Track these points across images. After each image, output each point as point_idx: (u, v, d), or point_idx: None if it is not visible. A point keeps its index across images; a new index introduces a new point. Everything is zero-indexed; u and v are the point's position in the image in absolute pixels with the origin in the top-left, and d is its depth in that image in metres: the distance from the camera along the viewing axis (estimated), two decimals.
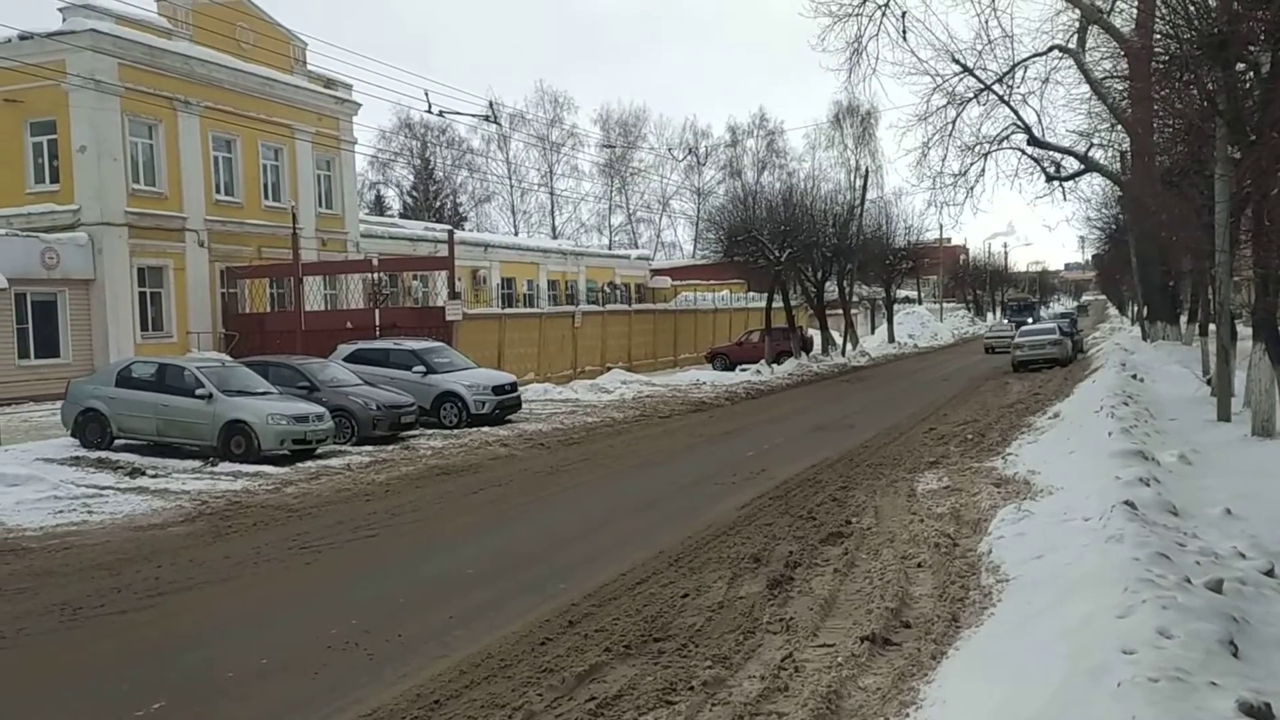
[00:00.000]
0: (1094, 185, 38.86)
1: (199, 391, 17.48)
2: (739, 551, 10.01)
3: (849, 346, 44.85)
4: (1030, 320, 59.52)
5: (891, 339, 54.35)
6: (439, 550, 11.06)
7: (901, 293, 68.97)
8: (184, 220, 29.49)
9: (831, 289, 45.54)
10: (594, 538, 11.34)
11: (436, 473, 16.29)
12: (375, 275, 30.94)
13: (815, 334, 44.14)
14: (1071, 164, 30.56)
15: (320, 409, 18.13)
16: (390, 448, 18.64)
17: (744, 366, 36.41)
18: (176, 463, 16.85)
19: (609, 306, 42.24)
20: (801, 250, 38.02)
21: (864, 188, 49.28)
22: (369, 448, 18.57)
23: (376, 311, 28.23)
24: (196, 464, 16.77)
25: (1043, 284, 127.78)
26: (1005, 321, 62.98)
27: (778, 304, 40.02)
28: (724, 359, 39.67)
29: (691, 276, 58.26)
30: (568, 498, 13.95)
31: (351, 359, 22.63)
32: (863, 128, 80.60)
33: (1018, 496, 11.67)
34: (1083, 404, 19.05)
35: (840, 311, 46.96)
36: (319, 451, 17.91)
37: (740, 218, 38.43)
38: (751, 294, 50.65)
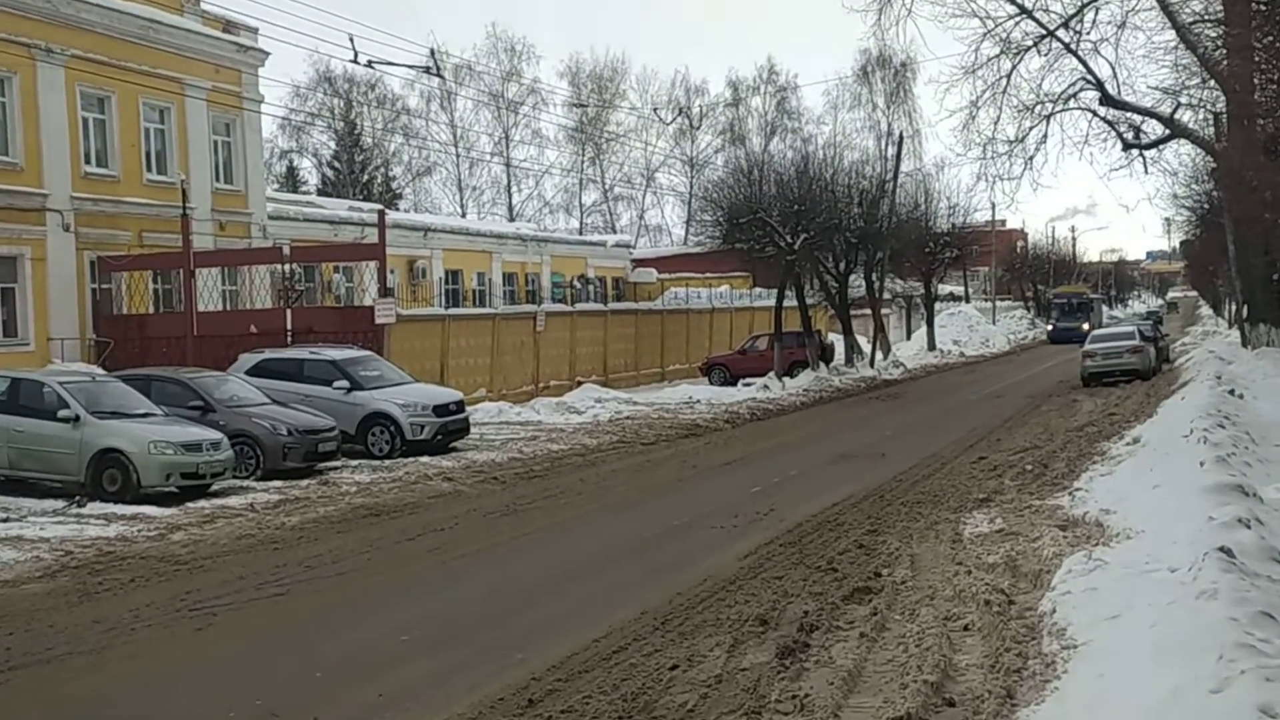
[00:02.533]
0: (1182, 154, 39.04)
1: (63, 413, 17.35)
2: (742, 612, 10.02)
3: (879, 355, 45.01)
4: (1086, 324, 58.86)
5: (932, 346, 54.54)
6: (366, 611, 11.00)
7: (944, 288, 69.30)
8: (44, 198, 29.32)
9: (858, 284, 45.68)
10: (560, 595, 11.32)
11: (363, 514, 16.25)
12: (286, 267, 30.81)
13: (837, 340, 44.24)
14: (1154, 128, 30.73)
15: (216, 434, 18.06)
16: (305, 483, 18.58)
17: (748, 380, 36.45)
18: (33, 503, 16.72)
19: (580, 306, 42.22)
20: (820, 235, 38.13)
21: (898, 157, 49.45)
22: (278, 483, 18.50)
23: (288, 312, 28.11)
24: (59, 504, 16.63)
25: (1119, 277, 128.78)
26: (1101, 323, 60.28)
27: (790, 302, 40.09)
28: (723, 371, 39.66)
29: (683, 268, 58.31)
30: (528, 545, 13.92)
31: (256, 371, 22.56)
32: (896, 83, 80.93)
33: (1088, 542, 11.72)
34: (1169, 426, 19.12)
35: (868, 312, 47.08)
36: (215, 488, 17.84)
37: (744, 195, 38.48)
38: (758, 290, 50.70)
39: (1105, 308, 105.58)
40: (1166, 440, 17.43)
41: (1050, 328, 67.08)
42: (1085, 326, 58.55)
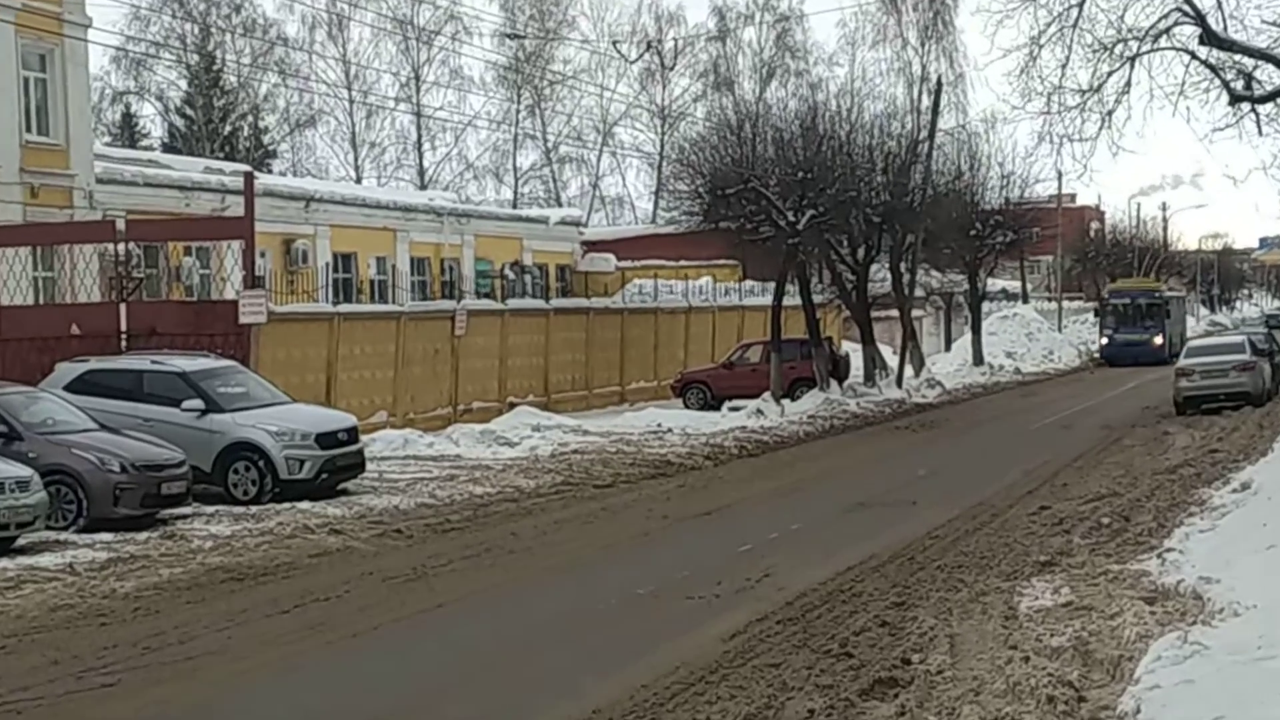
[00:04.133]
0: None
1: None
2: (726, 710, 10.02)
3: (909, 371, 45.16)
4: (1159, 336, 58.15)
5: (978, 359, 54.77)
6: (222, 709, 10.93)
7: (995, 283, 69.46)
8: None
9: (881, 276, 45.81)
10: (485, 687, 11.29)
11: (221, 578, 16.12)
12: (121, 246, 30.59)
13: (854, 350, 44.33)
14: (1271, 75, 30.97)
15: (24, 471, 17.87)
16: (143, 536, 18.41)
17: (736, 403, 36.45)
18: None
19: (513, 303, 42.14)
20: (832, 211, 38.21)
21: (934, 110, 49.69)
22: (107, 536, 18.32)
23: (122, 307, 27.91)
24: None
25: (1224, 270, 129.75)
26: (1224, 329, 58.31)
27: (792, 300, 40.16)
28: (703, 390, 39.64)
29: (650, 253, 58.35)
30: (442, 621, 13.90)
31: (80, 387, 22.36)
32: (933, 13, 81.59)
33: (1183, 619, 11.78)
34: None
35: (895, 314, 47.22)
36: (21, 542, 17.62)
37: (732, 157, 38.54)
38: (749, 284, 50.78)
39: (1203, 309, 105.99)
40: None
41: (1104, 341, 61.60)
42: (1158, 340, 57.41)
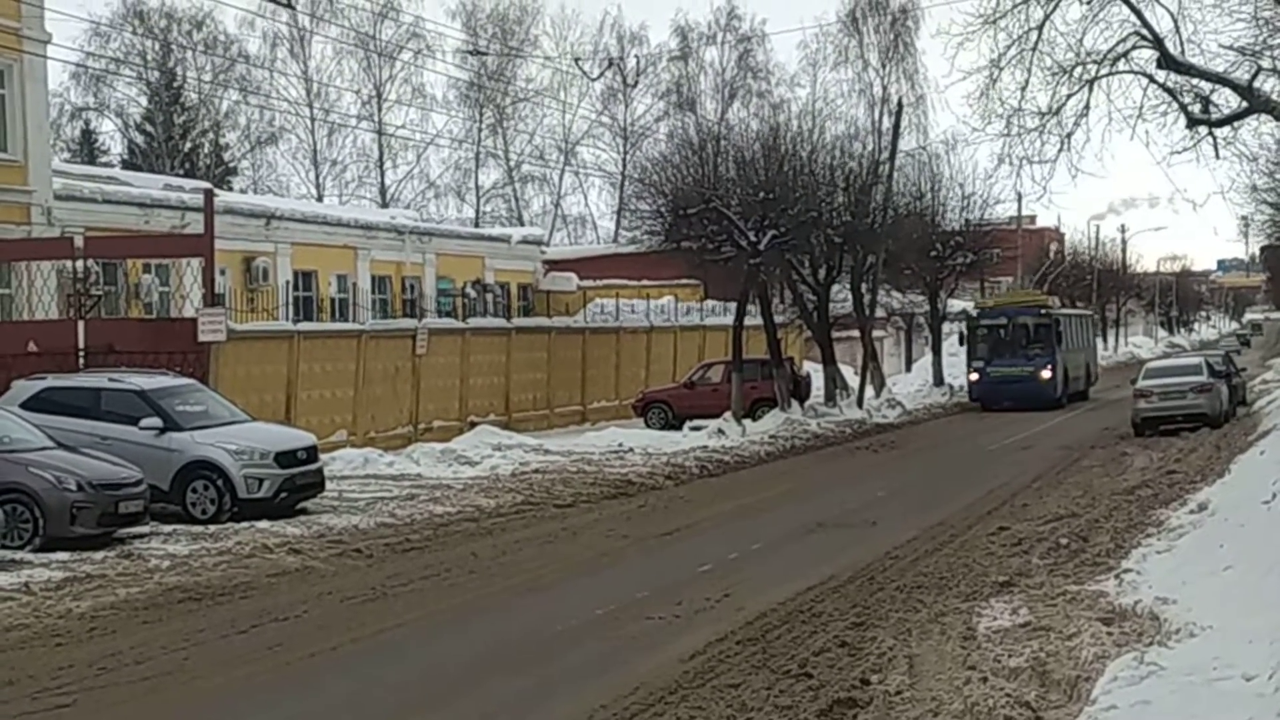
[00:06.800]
0: (1263, 134, 39.57)
1: None
2: None
3: (870, 392, 45.27)
4: (1047, 369, 46.84)
5: (939, 380, 54.86)
6: None
7: (956, 304, 69.75)
8: None
9: (842, 297, 45.91)
10: (443, 709, 11.28)
11: (179, 598, 16.04)
12: (79, 263, 30.45)
13: (815, 370, 44.40)
14: (1228, 99, 31.20)
15: None
16: (100, 555, 18.31)
17: (697, 423, 36.47)
18: None
19: (475, 321, 42.08)
20: (793, 232, 38.28)
21: (895, 131, 49.93)
22: (63, 555, 18.21)
23: (80, 325, 27.78)
24: None
25: (1182, 292, 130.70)
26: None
27: (754, 320, 40.21)
28: (664, 410, 39.71)
29: (612, 273, 58.35)
30: (401, 641, 13.87)
31: (36, 405, 22.26)
32: (894, 34, 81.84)
33: (1139, 640, 11.86)
34: (1244, 489, 19.40)
35: (856, 334, 47.32)
36: None
37: (693, 177, 38.57)
38: (711, 303, 50.83)
39: (1161, 331, 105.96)
40: (1242, 507, 17.68)
41: (973, 378, 48.55)
42: (1045, 374, 46.75)
